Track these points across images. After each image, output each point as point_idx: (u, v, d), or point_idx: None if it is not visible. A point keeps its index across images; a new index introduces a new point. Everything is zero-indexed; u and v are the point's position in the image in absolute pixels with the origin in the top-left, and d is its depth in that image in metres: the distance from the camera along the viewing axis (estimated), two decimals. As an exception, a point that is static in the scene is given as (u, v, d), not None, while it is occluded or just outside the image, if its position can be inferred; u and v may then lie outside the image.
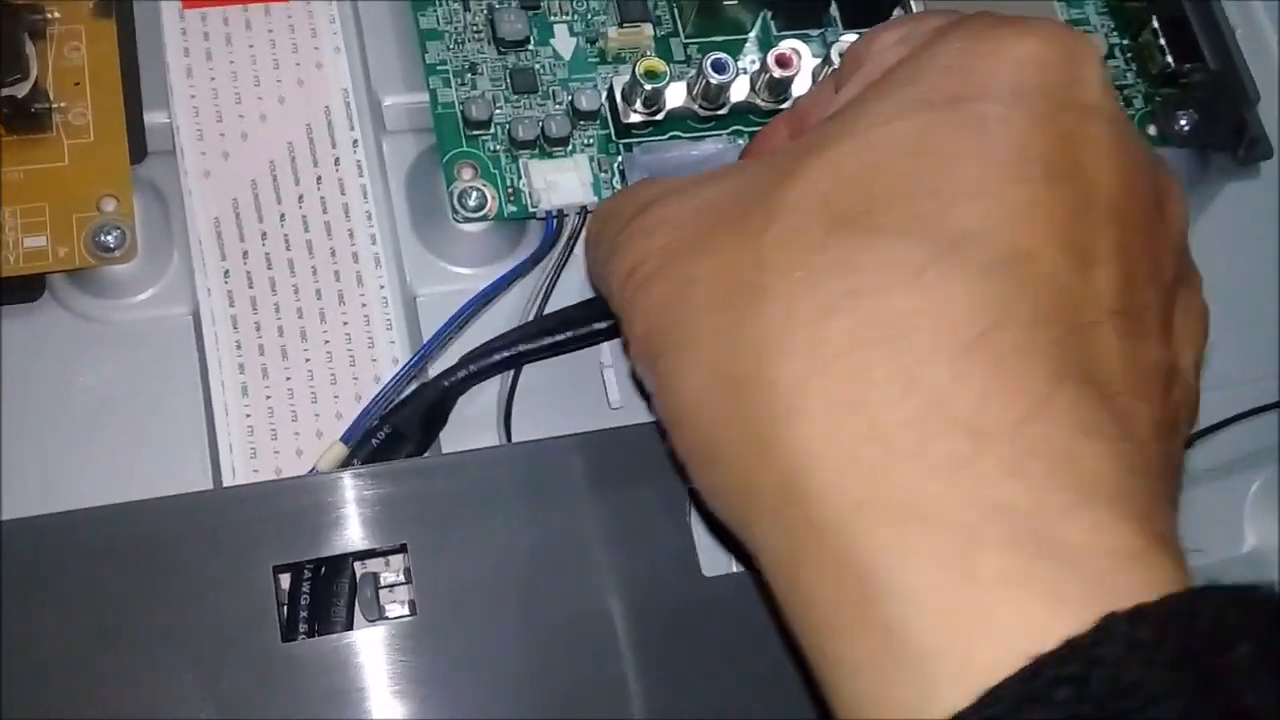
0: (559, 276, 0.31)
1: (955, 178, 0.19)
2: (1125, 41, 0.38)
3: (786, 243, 0.20)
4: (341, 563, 0.25)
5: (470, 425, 0.29)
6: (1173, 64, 0.37)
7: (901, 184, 0.20)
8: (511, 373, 0.30)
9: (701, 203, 0.22)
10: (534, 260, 0.31)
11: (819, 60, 0.33)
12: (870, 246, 0.19)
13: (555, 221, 0.31)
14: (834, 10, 0.36)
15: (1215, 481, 0.34)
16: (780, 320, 0.19)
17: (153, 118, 0.31)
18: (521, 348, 0.29)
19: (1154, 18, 0.37)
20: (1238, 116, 0.36)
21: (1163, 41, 0.37)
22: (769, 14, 0.35)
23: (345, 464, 0.27)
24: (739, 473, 0.20)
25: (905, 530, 0.17)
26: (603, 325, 0.29)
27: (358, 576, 0.25)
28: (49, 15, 0.30)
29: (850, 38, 0.34)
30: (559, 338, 0.30)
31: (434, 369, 0.29)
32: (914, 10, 0.35)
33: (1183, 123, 0.37)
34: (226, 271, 0.29)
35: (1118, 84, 0.37)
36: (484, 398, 0.30)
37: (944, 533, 0.17)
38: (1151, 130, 0.37)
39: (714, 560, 0.26)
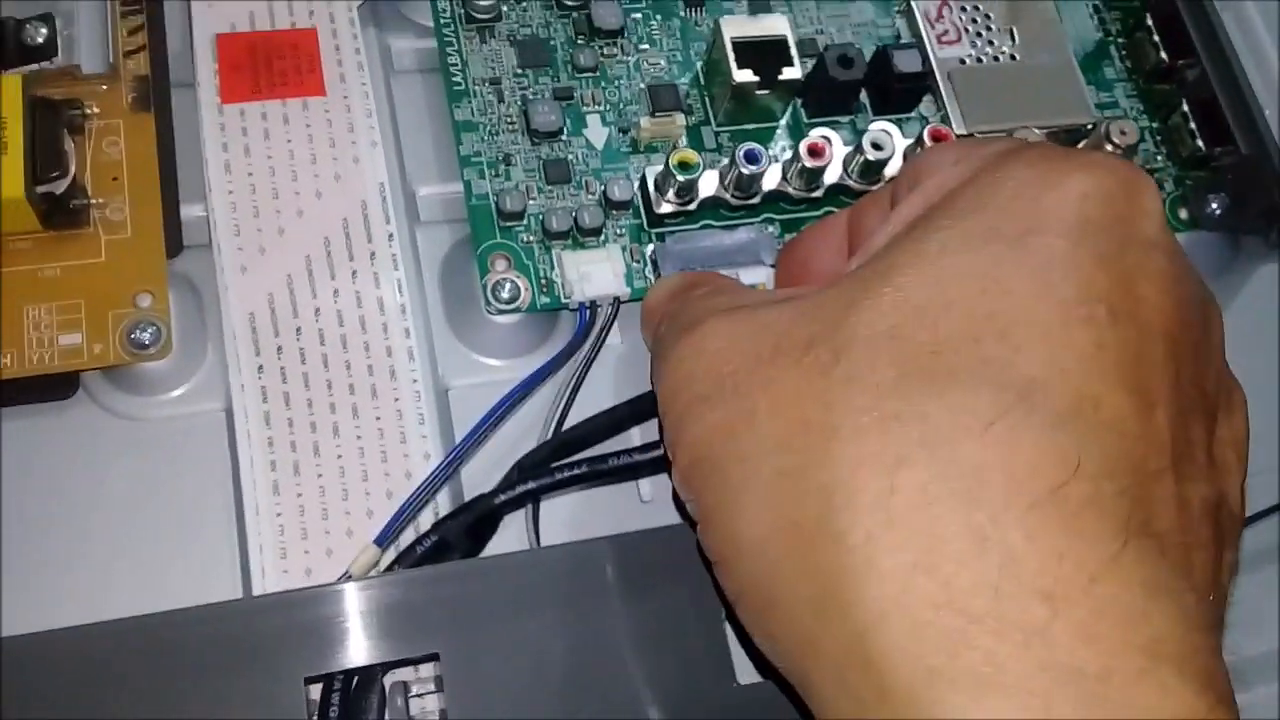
0: (589, 369, 0.31)
1: (1024, 319, 0.19)
2: (1155, 125, 0.38)
3: (857, 382, 0.19)
4: (371, 673, 0.25)
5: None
6: (1203, 147, 0.37)
7: (970, 324, 0.19)
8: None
9: (760, 325, 0.22)
10: (567, 353, 0.31)
11: (850, 148, 0.33)
12: (940, 394, 0.19)
13: (588, 312, 0.31)
14: (864, 98, 0.36)
15: (1249, 574, 0.33)
16: (850, 466, 0.19)
17: (189, 211, 0.31)
18: (585, 470, 0.28)
19: (1184, 100, 0.37)
20: (1270, 200, 0.36)
21: (1193, 125, 0.37)
22: (799, 101, 0.35)
23: (387, 570, 0.27)
24: (801, 626, 0.19)
25: (979, 698, 0.17)
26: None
27: (388, 687, 0.25)
28: (88, 110, 0.31)
29: (880, 125, 0.34)
30: (625, 462, 0.28)
31: (466, 468, 0.29)
32: (944, 100, 0.35)
33: (1214, 206, 0.37)
34: (260, 367, 0.29)
35: (1148, 167, 0.37)
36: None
37: (1018, 700, 0.17)
38: (1183, 214, 0.37)
39: (749, 666, 0.26)
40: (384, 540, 0.27)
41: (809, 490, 0.19)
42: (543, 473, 0.28)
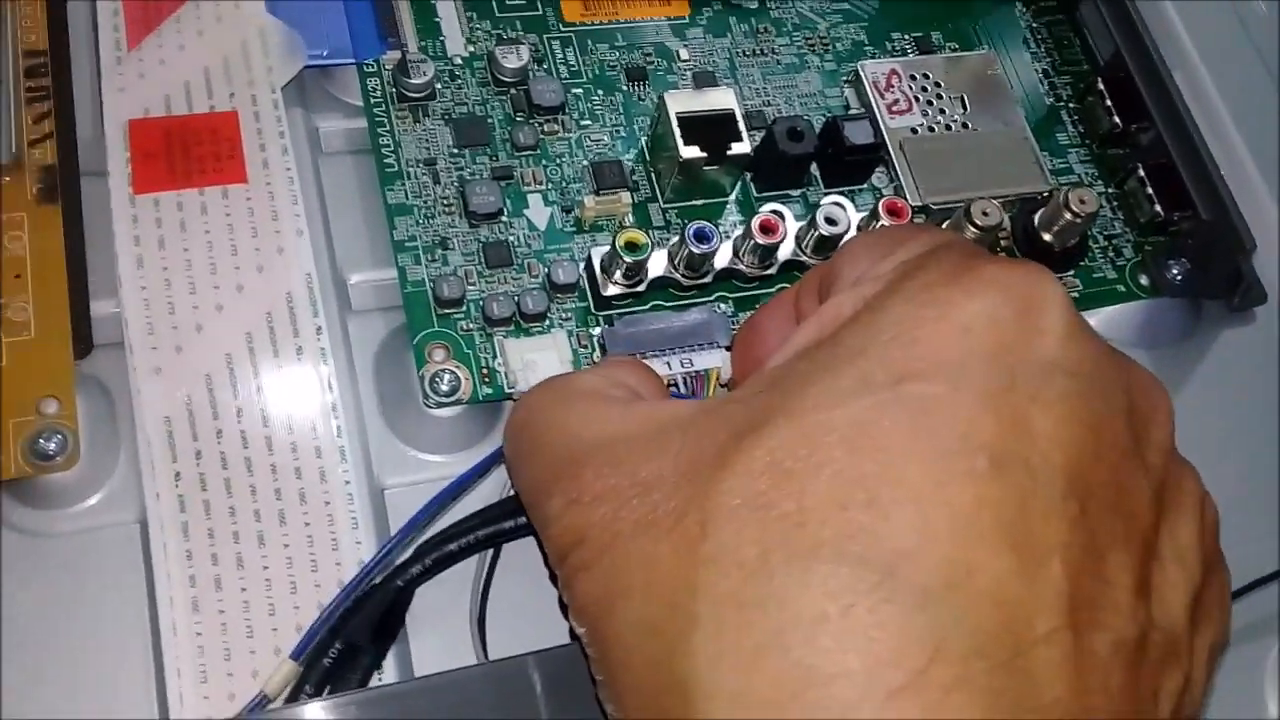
0: (537, 462, 0.29)
1: (894, 481, 0.18)
2: (1110, 190, 0.37)
3: (720, 562, 0.18)
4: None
5: (440, 615, 0.27)
6: (1162, 212, 0.36)
7: (839, 489, 0.18)
8: (488, 559, 0.27)
9: (641, 481, 0.20)
10: (510, 447, 0.29)
11: (804, 223, 0.32)
12: (802, 574, 0.18)
13: (532, 403, 0.30)
14: (814, 170, 0.35)
15: (1232, 650, 0.32)
16: (708, 661, 0.18)
17: (100, 307, 0.29)
18: (480, 534, 0.27)
19: (1139, 165, 0.36)
20: (1234, 265, 0.35)
21: (1150, 190, 0.36)
22: (748, 176, 0.34)
23: (298, 685, 0.25)
24: None
25: None
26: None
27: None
28: (-11, 203, 0.29)
29: (833, 199, 0.32)
30: (522, 520, 0.27)
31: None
32: (897, 171, 0.34)
33: (1175, 272, 0.36)
34: (177, 474, 0.27)
35: (1104, 233, 0.36)
36: (455, 587, 0.27)
37: None
38: (1144, 280, 0.36)
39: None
40: (301, 653, 0.25)
41: (671, 683, 0.18)
42: (437, 546, 0.26)
